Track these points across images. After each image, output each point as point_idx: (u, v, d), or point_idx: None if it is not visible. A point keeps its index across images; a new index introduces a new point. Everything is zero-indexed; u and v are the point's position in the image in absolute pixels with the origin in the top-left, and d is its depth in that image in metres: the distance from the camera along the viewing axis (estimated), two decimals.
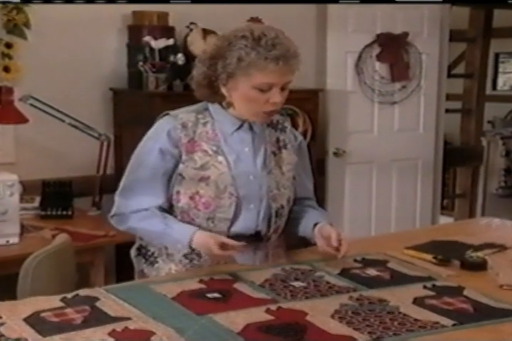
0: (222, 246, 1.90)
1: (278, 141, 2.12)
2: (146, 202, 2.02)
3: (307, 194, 2.25)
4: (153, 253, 2.12)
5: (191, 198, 2.02)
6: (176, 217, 2.06)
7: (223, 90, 1.98)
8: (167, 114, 2.07)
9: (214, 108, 2.05)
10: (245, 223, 2.05)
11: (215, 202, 2.01)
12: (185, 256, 2.05)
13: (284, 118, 2.21)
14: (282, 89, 1.94)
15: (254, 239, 2.07)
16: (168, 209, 2.07)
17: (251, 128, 2.06)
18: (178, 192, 2.04)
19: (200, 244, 1.94)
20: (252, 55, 1.87)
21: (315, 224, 2.10)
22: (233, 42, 1.90)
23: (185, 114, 2.05)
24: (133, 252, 2.19)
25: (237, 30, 1.93)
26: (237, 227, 2.04)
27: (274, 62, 1.87)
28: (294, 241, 2.27)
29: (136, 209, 2.03)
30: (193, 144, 2.01)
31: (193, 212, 2.03)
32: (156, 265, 2.11)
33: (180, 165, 2.02)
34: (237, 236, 2.02)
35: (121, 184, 2.09)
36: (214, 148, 2.02)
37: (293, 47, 1.92)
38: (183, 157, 2.01)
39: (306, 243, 2.24)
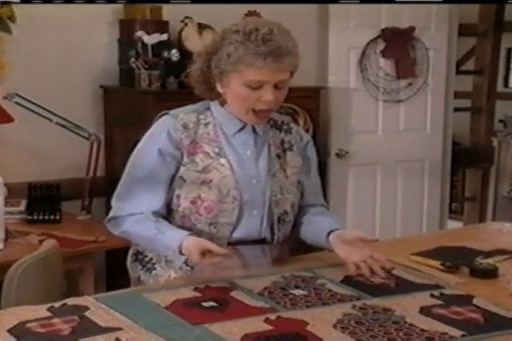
0: (207, 253, 1.89)
1: (283, 142, 2.12)
2: (143, 205, 2.02)
3: (316, 200, 2.23)
4: (150, 260, 2.11)
5: (192, 202, 2.02)
6: (176, 222, 2.06)
7: (218, 87, 2.00)
8: (166, 113, 2.07)
9: (216, 108, 2.06)
10: (248, 229, 2.05)
11: (217, 207, 2.01)
12: (186, 262, 2.04)
13: (289, 118, 2.21)
14: (276, 87, 1.93)
15: (258, 243, 2.07)
16: (168, 214, 2.07)
17: (254, 129, 2.06)
18: (178, 196, 2.04)
19: (188, 251, 1.93)
20: (240, 51, 1.89)
21: (329, 232, 2.06)
22: (226, 37, 1.93)
23: (185, 114, 2.05)
24: (129, 258, 2.18)
25: (234, 25, 1.95)
26: (240, 233, 2.04)
27: (261, 58, 1.88)
28: (297, 247, 2.27)
29: (132, 212, 2.03)
30: (195, 146, 2.02)
31: (195, 217, 2.03)
32: (154, 272, 2.10)
33: (181, 168, 2.02)
34: (241, 242, 2.04)
35: (119, 185, 2.09)
36: (216, 150, 2.02)
37: (288, 44, 1.91)
38: (185, 159, 2.01)
39: (307, 249, 2.24)
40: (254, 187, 2.04)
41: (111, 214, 2.08)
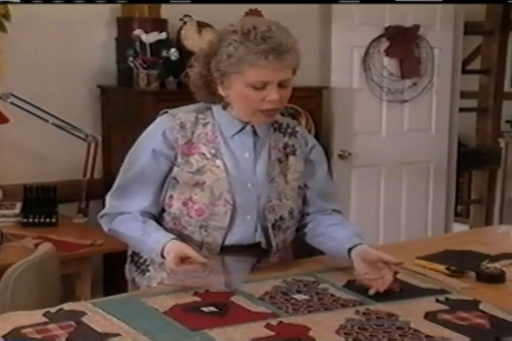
0: (186, 260, 1.88)
1: (286, 146, 2.10)
2: (132, 205, 2.04)
3: (326, 205, 2.17)
4: (145, 261, 2.12)
5: (184, 204, 2.03)
6: (168, 223, 2.07)
7: (220, 90, 1.98)
8: (166, 111, 2.07)
9: (217, 108, 2.05)
10: (241, 235, 2.04)
11: (208, 210, 2.01)
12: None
13: (295, 122, 2.19)
14: (281, 86, 1.92)
15: (254, 250, 2.06)
16: (160, 214, 2.08)
17: (254, 132, 2.05)
18: (171, 197, 2.05)
19: (167, 256, 1.92)
20: (240, 50, 1.88)
21: (351, 248, 1.99)
22: (224, 38, 1.91)
23: (184, 113, 2.05)
24: (127, 260, 2.20)
25: (230, 25, 1.94)
26: (233, 239, 2.04)
27: (263, 56, 1.86)
28: (299, 251, 2.26)
29: (121, 210, 2.06)
30: (191, 146, 2.02)
31: (185, 219, 2.03)
32: (148, 274, 2.11)
33: (175, 168, 2.02)
34: (235, 246, 2.03)
35: (115, 183, 2.10)
36: (213, 151, 2.02)
37: (288, 41, 1.90)
38: (179, 160, 2.02)
39: (310, 253, 2.24)
40: (249, 191, 2.02)
41: (103, 210, 2.11)
